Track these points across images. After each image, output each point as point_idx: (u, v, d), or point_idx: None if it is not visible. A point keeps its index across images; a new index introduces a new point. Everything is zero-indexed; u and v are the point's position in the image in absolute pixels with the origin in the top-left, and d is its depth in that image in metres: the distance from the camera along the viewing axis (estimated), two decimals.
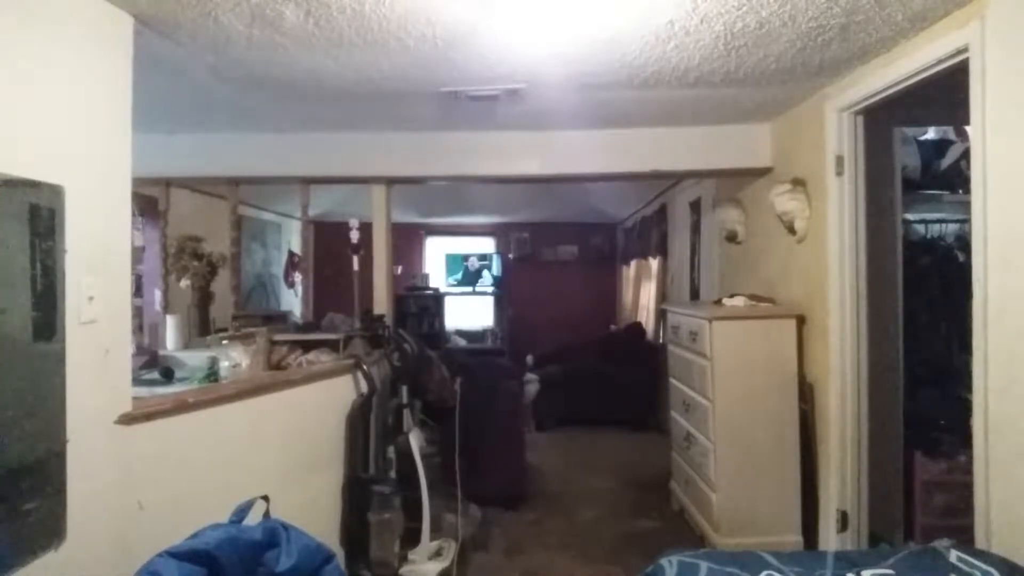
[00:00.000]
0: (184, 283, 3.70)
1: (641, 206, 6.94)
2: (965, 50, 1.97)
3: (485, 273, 8.23)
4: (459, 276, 8.21)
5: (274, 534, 1.64)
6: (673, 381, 3.75)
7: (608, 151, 3.61)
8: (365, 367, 2.80)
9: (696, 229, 5.02)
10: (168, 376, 3.08)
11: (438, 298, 7.84)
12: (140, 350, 3.26)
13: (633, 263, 7.32)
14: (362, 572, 2.62)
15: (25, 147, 1.55)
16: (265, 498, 1.80)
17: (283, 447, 2.43)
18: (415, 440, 2.90)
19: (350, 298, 3.68)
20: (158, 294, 3.75)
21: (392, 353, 3.08)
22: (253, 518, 1.72)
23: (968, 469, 2.01)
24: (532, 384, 5.81)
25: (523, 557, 3.22)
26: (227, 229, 3.80)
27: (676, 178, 4.93)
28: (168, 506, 1.89)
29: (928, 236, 3.49)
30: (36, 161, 1.56)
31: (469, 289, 8.21)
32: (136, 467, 1.83)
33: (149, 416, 1.87)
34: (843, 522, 2.78)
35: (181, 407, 1.99)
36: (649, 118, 3.35)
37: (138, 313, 3.63)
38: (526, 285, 8.32)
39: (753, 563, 1.61)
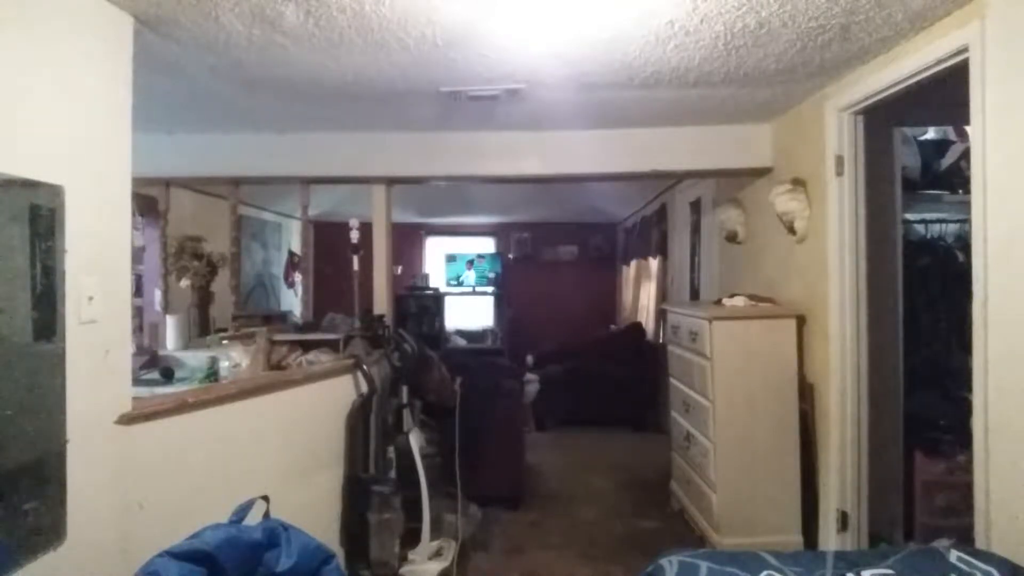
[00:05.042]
0: (184, 283, 3.70)
1: (641, 206, 6.93)
2: (965, 50, 1.97)
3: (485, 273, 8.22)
4: (459, 276, 8.21)
5: (274, 534, 1.64)
6: (673, 381, 3.75)
7: (608, 151, 3.60)
8: (365, 367, 2.80)
9: (696, 229, 5.02)
10: (168, 376, 3.08)
11: (438, 298, 7.83)
12: (140, 350, 3.26)
13: (633, 263, 7.32)
14: (362, 572, 2.62)
15: (25, 147, 1.55)
16: (265, 498, 1.81)
17: (283, 447, 2.43)
18: (415, 440, 2.90)
19: (350, 298, 3.67)
20: (158, 294, 3.74)
21: (392, 353, 3.08)
22: (253, 518, 1.72)
23: (968, 469, 2.01)
24: (532, 384, 5.82)
25: (523, 557, 3.22)
26: (227, 229, 3.80)
27: (676, 178, 4.93)
28: (168, 506, 1.90)
29: (928, 236, 3.50)
30: (36, 161, 1.56)
31: (469, 289, 8.21)
32: (136, 467, 1.83)
33: (149, 416, 1.87)
34: (843, 522, 2.78)
35: (181, 407, 1.99)
36: (649, 118, 3.35)
37: (138, 313, 3.63)
38: (526, 285, 8.31)
39: (753, 563, 1.61)
